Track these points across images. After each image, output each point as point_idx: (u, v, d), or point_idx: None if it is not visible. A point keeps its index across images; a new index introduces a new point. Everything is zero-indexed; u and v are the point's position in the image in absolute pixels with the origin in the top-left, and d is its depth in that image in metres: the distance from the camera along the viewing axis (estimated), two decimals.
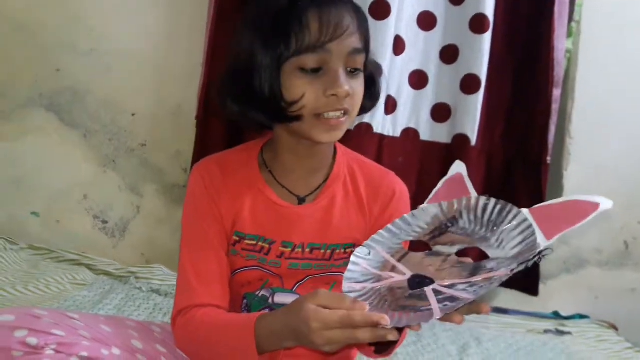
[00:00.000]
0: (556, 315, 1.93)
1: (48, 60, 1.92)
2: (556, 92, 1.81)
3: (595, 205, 0.73)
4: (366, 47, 0.89)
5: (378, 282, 0.76)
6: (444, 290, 0.72)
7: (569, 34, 1.92)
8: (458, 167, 0.87)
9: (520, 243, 0.73)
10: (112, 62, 1.92)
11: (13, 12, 1.91)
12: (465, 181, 0.85)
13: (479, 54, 1.76)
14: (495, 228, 0.76)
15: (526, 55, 1.82)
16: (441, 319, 0.69)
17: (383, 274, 0.78)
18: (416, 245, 0.84)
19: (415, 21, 1.81)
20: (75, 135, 1.94)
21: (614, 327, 1.87)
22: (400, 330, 0.72)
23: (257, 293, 0.95)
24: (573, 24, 1.94)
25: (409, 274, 0.77)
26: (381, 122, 1.80)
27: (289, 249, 0.93)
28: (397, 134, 1.83)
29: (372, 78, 0.93)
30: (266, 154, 0.97)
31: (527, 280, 1.88)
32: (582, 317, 1.92)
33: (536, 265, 1.83)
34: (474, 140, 1.80)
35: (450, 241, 0.79)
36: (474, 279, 0.72)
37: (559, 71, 1.82)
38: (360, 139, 1.77)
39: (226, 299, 0.92)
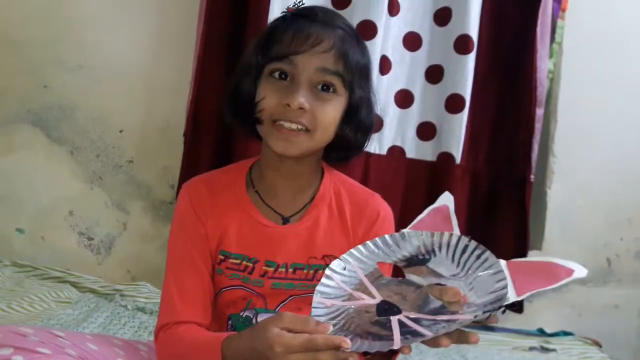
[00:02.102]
0: (541, 332, 1.94)
1: (35, 75, 1.92)
2: (539, 112, 1.85)
3: (569, 272, 0.74)
4: (345, 73, 0.89)
5: (348, 302, 0.77)
6: (409, 323, 0.73)
7: (551, 54, 1.96)
8: (445, 199, 0.87)
9: (491, 293, 0.73)
10: (100, 78, 1.93)
11: (0, 27, 1.91)
12: (450, 214, 0.85)
13: (464, 74, 1.79)
14: (470, 272, 0.76)
15: (510, 76, 1.85)
16: (429, 344, 0.70)
17: (354, 294, 0.78)
18: (394, 271, 0.85)
19: (401, 41, 1.84)
20: (62, 151, 1.94)
21: (598, 344, 1.88)
22: (366, 354, 0.73)
23: (241, 314, 0.95)
24: (554, 45, 1.99)
25: (378, 298, 0.78)
26: (362, 150, 1.82)
27: (272, 269, 0.94)
28: (384, 151, 1.85)
29: (356, 107, 0.93)
30: (254, 173, 0.99)
31: None
32: (566, 334, 1.93)
33: None
34: (458, 158, 1.82)
35: (424, 273, 0.79)
36: (438, 318, 0.72)
37: (541, 91, 1.85)
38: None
39: (207, 317, 0.94)
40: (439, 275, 0.78)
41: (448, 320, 0.71)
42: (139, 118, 1.95)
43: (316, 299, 0.76)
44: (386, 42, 1.78)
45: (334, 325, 0.73)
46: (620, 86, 2.01)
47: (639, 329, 2.07)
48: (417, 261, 0.81)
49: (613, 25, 1.99)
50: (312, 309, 0.75)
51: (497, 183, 1.88)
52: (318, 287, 0.77)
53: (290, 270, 0.94)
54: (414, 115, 1.87)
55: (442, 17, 1.82)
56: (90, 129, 1.94)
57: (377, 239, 0.82)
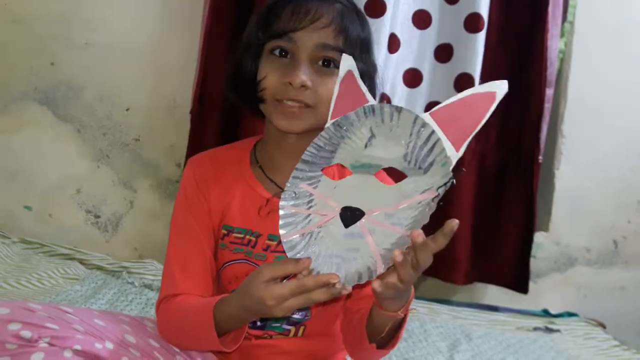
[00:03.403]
0: (545, 313, 1.95)
1: (43, 53, 1.91)
2: (549, 92, 1.83)
3: (492, 95, 0.69)
4: (345, 48, 0.88)
5: (311, 223, 0.76)
6: (377, 223, 0.72)
7: (562, 34, 1.93)
8: (346, 63, 0.82)
9: (429, 155, 0.71)
10: (107, 55, 1.92)
11: (8, 5, 1.90)
12: (356, 79, 0.81)
13: (473, 53, 1.77)
14: (403, 141, 0.74)
15: (520, 55, 1.83)
16: (419, 260, 0.68)
17: (311, 212, 0.77)
18: None
19: (411, 19, 1.81)
20: (69, 129, 1.94)
21: (602, 325, 1.89)
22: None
23: None
24: (566, 24, 1.96)
25: (337, 207, 0.76)
26: None
27: (275, 242, 0.94)
28: None
29: None
30: (258, 150, 0.99)
31: (517, 278, 1.90)
32: (570, 315, 1.94)
33: (526, 264, 1.86)
34: None
35: (366, 162, 0.77)
36: (400, 206, 0.71)
37: (551, 71, 1.83)
38: None
39: (209, 290, 0.94)
40: (382, 161, 0.76)
41: (409, 206, 0.70)
42: (146, 96, 1.94)
43: (283, 236, 0.77)
44: (395, 19, 1.76)
45: (313, 256, 0.73)
46: (631, 67, 1.98)
47: None
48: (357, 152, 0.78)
49: (626, 5, 1.96)
50: (283, 246, 0.75)
51: (506, 164, 1.87)
52: (279, 224, 0.77)
53: None
54: (423, 94, 1.85)
55: None
56: (97, 107, 1.94)
57: (309, 147, 0.81)
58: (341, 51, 0.87)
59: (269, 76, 0.87)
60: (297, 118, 0.87)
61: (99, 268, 1.78)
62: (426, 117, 0.71)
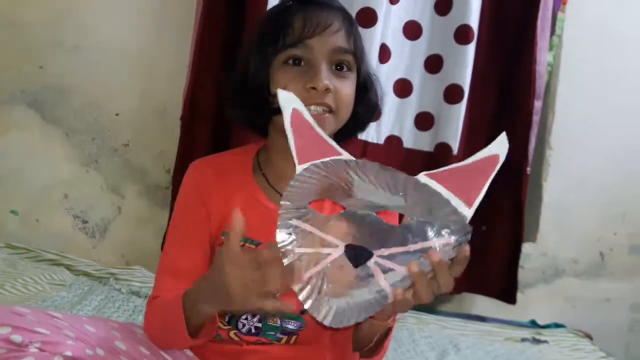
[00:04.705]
0: (533, 324, 1.96)
1: (32, 56, 1.90)
2: (537, 104, 1.85)
3: (494, 159, 0.72)
4: (356, 51, 0.91)
5: (319, 265, 0.73)
6: (384, 262, 0.71)
7: (551, 47, 1.96)
8: (284, 98, 0.78)
9: (433, 210, 0.70)
10: (97, 60, 1.91)
11: None
12: (307, 121, 0.78)
13: (463, 65, 1.79)
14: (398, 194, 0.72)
15: (509, 67, 1.85)
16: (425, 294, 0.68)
17: (317, 250, 0.74)
18: None
19: (401, 30, 1.83)
20: (57, 133, 1.92)
21: (589, 337, 1.90)
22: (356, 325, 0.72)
23: None
24: (554, 38, 1.98)
25: (341, 244, 0.74)
26: (365, 129, 1.81)
27: None
28: (381, 141, 1.85)
29: (365, 85, 0.95)
30: (261, 157, 0.99)
31: (505, 288, 1.90)
32: (558, 326, 1.95)
33: (514, 275, 1.87)
34: (455, 149, 1.82)
35: (356, 204, 0.75)
36: (411, 248, 0.70)
37: (540, 83, 1.85)
38: (345, 145, 1.77)
39: None
40: (376, 203, 0.75)
41: (422, 249, 0.70)
42: (136, 101, 1.94)
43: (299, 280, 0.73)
44: (386, 30, 1.77)
45: (319, 293, 0.71)
46: (619, 80, 2.01)
47: (630, 323, 2.09)
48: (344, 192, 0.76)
49: (613, 19, 1.99)
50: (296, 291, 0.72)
51: (494, 175, 1.88)
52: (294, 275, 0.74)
53: None
54: (413, 105, 1.86)
55: (443, 6, 1.81)
56: (86, 111, 1.93)
57: (294, 178, 0.75)
58: (353, 53, 0.89)
59: (290, 85, 0.87)
60: (322, 126, 0.85)
61: (86, 274, 1.76)
62: (425, 180, 0.70)
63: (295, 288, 0.72)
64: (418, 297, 0.71)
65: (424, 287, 0.70)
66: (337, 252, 0.74)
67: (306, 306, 0.72)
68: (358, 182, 0.74)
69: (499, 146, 0.72)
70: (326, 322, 0.71)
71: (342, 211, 0.78)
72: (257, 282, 0.72)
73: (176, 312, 0.83)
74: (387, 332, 0.86)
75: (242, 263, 0.72)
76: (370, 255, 0.72)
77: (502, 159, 0.72)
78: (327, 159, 0.75)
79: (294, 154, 0.76)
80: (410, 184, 0.70)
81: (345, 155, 0.76)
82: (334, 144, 0.77)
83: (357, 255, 0.73)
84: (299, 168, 0.75)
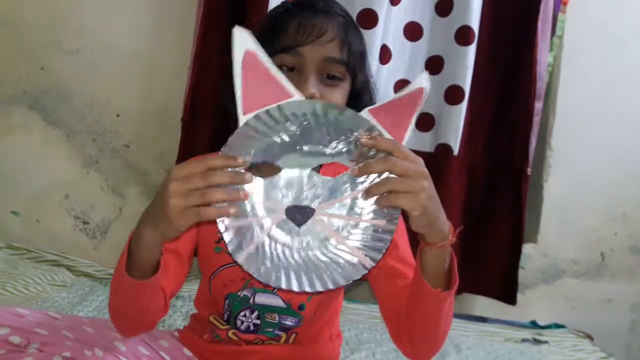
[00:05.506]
0: (533, 325, 1.95)
1: (33, 58, 1.90)
2: (538, 105, 1.85)
3: (420, 91, 0.74)
4: (350, 60, 0.90)
5: (262, 234, 0.69)
6: (336, 217, 0.69)
7: (551, 48, 1.96)
8: (240, 37, 0.73)
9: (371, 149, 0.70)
10: (97, 61, 1.91)
11: None
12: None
13: (464, 66, 1.79)
14: (343, 137, 0.70)
15: (510, 68, 1.85)
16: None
17: (254, 220, 0.69)
18: None
19: (402, 31, 1.83)
20: (58, 134, 1.93)
21: (590, 337, 1.90)
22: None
23: (239, 293, 0.96)
24: (555, 39, 1.98)
25: (280, 209, 0.70)
26: None
27: None
28: None
29: (359, 92, 0.94)
30: None
31: (505, 289, 1.90)
32: (558, 326, 1.94)
33: (515, 276, 1.87)
34: (456, 150, 1.82)
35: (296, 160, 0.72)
36: (357, 195, 0.69)
37: (541, 84, 1.85)
38: None
39: (168, 287, 0.90)
40: (315, 154, 0.72)
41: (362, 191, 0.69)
42: (137, 102, 1.94)
43: (241, 262, 0.70)
44: (387, 31, 1.77)
45: (272, 261, 0.69)
46: (619, 81, 2.01)
47: (630, 323, 2.08)
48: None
49: (614, 20, 1.99)
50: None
51: (494, 175, 1.89)
52: (229, 249, 0.70)
53: None
54: None
55: (444, 7, 1.81)
56: (87, 112, 1.93)
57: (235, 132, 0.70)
58: (345, 63, 0.89)
59: None
60: None
61: (87, 275, 1.76)
62: (365, 113, 0.72)
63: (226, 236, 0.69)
64: (395, 167, 0.70)
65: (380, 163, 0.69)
66: (277, 216, 0.70)
67: (240, 260, 0.69)
68: (302, 131, 0.71)
69: (423, 80, 0.74)
70: (262, 279, 0.69)
71: (281, 172, 0.73)
72: (197, 193, 0.65)
73: (122, 253, 0.78)
74: (451, 260, 0.83)
75: (187, 170, 0.66)
76: (311, 211, 0.71)
77: (426, 92, 0.74)
78: (274, 105, 0.70)
79: (238, 102, 0.70)
80: (355, 120, 0.71)
81: (297, 97, 0.71)
82: (290, 86, 0.72)
83: (299, 215, 0.70)
84: (243, 119, 0.69)
